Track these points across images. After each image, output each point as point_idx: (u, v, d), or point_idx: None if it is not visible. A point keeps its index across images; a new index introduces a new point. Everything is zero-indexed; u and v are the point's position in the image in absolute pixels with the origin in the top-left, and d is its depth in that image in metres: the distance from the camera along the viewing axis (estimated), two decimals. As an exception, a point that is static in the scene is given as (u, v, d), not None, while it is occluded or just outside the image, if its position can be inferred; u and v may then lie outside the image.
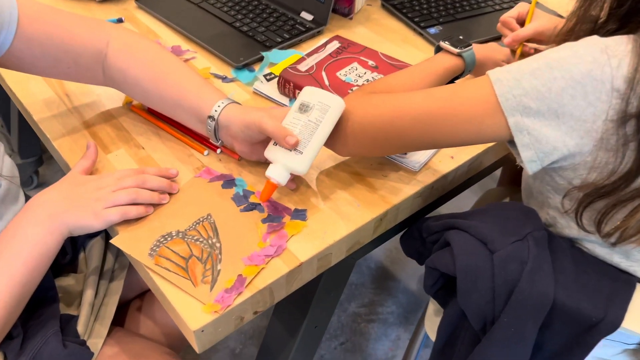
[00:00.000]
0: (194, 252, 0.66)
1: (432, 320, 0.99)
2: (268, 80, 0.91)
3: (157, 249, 0.66)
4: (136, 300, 0.88)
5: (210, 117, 0.72)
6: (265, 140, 0.73)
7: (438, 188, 0.79)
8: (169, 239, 0.67)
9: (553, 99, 0.57)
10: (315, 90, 0.70)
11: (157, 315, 0.86)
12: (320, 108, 0.69)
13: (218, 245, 0.67)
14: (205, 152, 0.79)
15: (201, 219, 0.69)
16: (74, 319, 0.73)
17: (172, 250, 0.66)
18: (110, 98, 0.88)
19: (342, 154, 0.74)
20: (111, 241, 0.66)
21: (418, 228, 0.81)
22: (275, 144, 0.69)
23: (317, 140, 0.69)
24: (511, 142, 0.62)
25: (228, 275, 0.63)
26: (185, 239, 0.67)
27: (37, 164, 1.78)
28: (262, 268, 0.64)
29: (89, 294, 0.75)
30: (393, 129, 0.66)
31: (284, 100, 0.88)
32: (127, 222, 0.68)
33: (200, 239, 0.67)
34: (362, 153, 0.75)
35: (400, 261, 1.68)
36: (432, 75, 0.76)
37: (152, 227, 0.68)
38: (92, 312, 0.74)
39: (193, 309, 0.60)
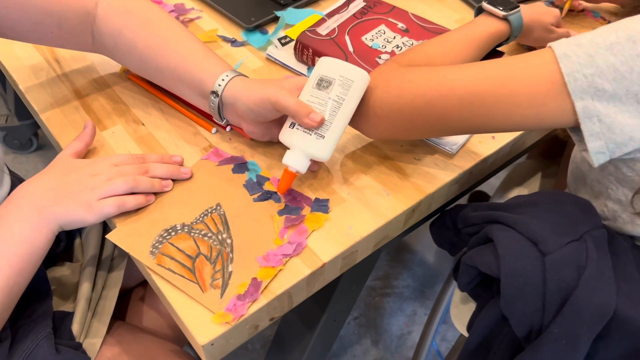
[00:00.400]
0: (202, 249, 0.57)
1: (459, 309, 0.92)
2: (283, 44, 0.81)
3: (160, 246, 0.57)
4: (138, 289, 0.81)
5: (213, 92, 0.63)
6: (279, 120, 0.63)
7: (477, 173, 0.70)
8: (173, 233, 0.59)
9: (635, 80, 0.47)
10: (333, 61, 0.60)
11: (161, 305, 0.79)
12: (342, 83, 0.59)
13: (229, 241, 0.58)
14: (213, 130, 0.69)
15: (209, 210, 0.61)
16: (69, 316, 0.66)
17: (176, 248, 0.57)
18: (106, 64, 0.78)
19: (370, 136, 0.64)
20: (107, 236, 0.58)
21: (452, 217, 0.72)
22: (292, 125, 0.59)
23: (340, 121, 0.59)
24: (575, 128, 0.53)
25: (241, 279, 0.55)
26: (192, 234, 0.59)
27: (37, 125, 1.69)
28: (280, 270, 0.56)
29: (85, 288, 0.68)
30: (434, 111, 0.56)
31: (302, 68, 0.78)
32: (126, 213, 0.60)
33: (209, 234, 0.59)
34: (394, 136, 0.65)
35: (417, 232, 1.60)
36: (474, 43, 0.66)
37: (154, 220, 0.60)
38: (89, 308, 0.67)
39: (201, 318, 0.52)
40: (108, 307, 0.69)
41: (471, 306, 0.88)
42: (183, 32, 0.66)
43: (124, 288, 0.76)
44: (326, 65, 0.60)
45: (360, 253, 0.62)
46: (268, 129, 0.65)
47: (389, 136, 0.64)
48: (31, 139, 1.72)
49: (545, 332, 0.58)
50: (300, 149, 0.59)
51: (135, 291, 0.80)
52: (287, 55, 0.79)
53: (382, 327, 1.40)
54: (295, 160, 0.59)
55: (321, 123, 0.58)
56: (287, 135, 0.60)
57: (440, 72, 0.57)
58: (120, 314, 0.76)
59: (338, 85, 0.59)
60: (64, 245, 0.73)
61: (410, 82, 0.57)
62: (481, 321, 0.67)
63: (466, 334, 0.90)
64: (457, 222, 0.71)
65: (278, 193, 0.62)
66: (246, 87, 0.62)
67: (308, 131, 0.59)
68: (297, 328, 0.80)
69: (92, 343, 0.65)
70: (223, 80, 0.63)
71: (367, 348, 1.36)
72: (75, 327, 0.64)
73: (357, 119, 0.61)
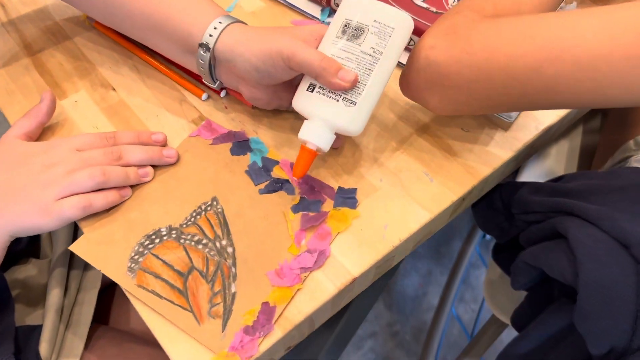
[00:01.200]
0: (196, 262, 0.44)
1: (495, 288, 0.81)
2: (288, -22, 0.64)
3: (140, 260, 0.44)
4: (123, 283, 0.68)
5: (202, 45, 0.47)
6: (289, 82, 0.49)
7: (538, 146, 0.56)
8: (157, 240, 0.45)
9: None
10: (363, 0, 0.45)
11: (151, 302, 0.66)
12: (379, 31, 0.44)
13: (230, 250, 0.45)
14: (204, 96, 0.54)
15: (203, 207, 0.47)
16: (36, 331, 0.54)
17: (162, 261, 0.44)
18: (64, 7, 0.62)
19: (440, 112, 0.48)
20: (71, 248, 0.45)
21: (503, 198, 0.59)
22: (312, 88, 0.45)
23: (377, 83, 0.45)
24: None
25: (247, 303, 0.42)
26: (182, 241, 0.45)
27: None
28: (298, 289, 0.43)
29: (54, 296, 0.55)
30: (539, 80, 0.41)
31: (314, 10, 0.62)
32: (95, 214, 0.46)
33: (204, 241, 0.45)
34: (473, 111, 0.48)
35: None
36: None
37: (131, 222, 0.46)
38: (60, 319, 0.55)
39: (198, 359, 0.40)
40: (85, 314, 0.57)
41: (509, 286, 0.76)
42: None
43: (105, 283, 0.64)
44: (354, 5, 0.45)
45: (397, 257, 0.49)
46: (276, 93, 0.50)
47: (466, 111, 0.48)
48: None
49: (632, 355, 0.46)
50: (323, 120, 0.44)
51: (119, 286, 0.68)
52: (294, -8, 0.63)
53: (395, 289, 1.30)
54: (317, 134, 0.45)
55: (354, 83, 0.43)
56: (304, 101, 0.45)
57: (547, 26, 0.41)
58: (101, 317, 0.64)
59: (373, 35, 0.44)
60: (26, 240, 0.60)
61: (503, 40, 0.41)
62: (540, 326, 0.56)
63: (504, 319, 0.79)
64: (510, 204, 0.58)
65: (293, 178, 0.48)
66: (247, 37, 0.47)
67: (334, 96, 0.44)
68: (312, 325, 0.69)
69: (66, 365, 0.53)
70: (215, 28, 0.47)
71: (379, 312, 1.26)
72: (44, 347, 0.52)
73: (422, 89, 0.45)
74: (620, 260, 0.45)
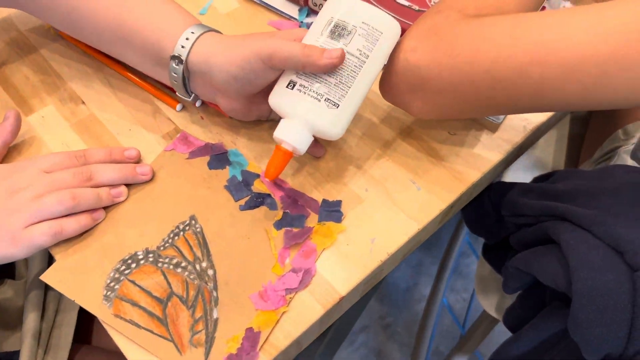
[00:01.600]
0: (175, 288, 0.42)
1: (486, 284, 0.80)
2: (263, -23, 0.61)
3: (117, 287, 0.42)
4: (105, 299, 0.66)
5: (174, 57, 0.45)
6: (269, 90, 0.46)
7: (526, 147, 0.54)
8: (133, 265, 0.43)
9: None
10: (352, 1, 0.43)
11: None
12: (366, 34, 0.42)
13: (210, 272, 0.43)
14: (178, 107, 0.52)
15: (181, 227, 0.45)
16: (14, 358, 0.52)
17: (139, 287, 0.42)
18: (28, 17, 0.58)
19: (417, 115, 0.46)
20: (42, 278, 0.42)
21: (493, 200, 0.58)
22: (292, 85, 0.42)
23: (361, 86, 0.43)
24: None
25: (231, 329, 0.40)
26: (159, 265, 0.43)
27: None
28: (284, 312, 0.41)
29: (31, 320, 0.53)
30: (523, 84, 0.39)
31: (291, 10, 0.59)
32: (67, 240, 0.44)
33: (182, 264, 0.43)
34: (452, 115, 0.46)
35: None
36: None
37: (105, 246, 0.44)
38: (39, 345, 0.53)
39: (181, 392, 0.38)
40: (64, 337, 0.55)
41: (500, 282, 0.76)
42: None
43: (87, 300, 0.62)
44: (342, 5, 0.43)
45: (386, 270, 0.47)
46: (255, 104, 0.48)
47: (451, 115, 0.46)
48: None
49: (628, 362, 0.45)
50: (302, 119, 0.42)
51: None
52: (270, -8, 0.60)
53: (385, 281, 1.29)
54: (294, 133, 0.43)
55: (343, 58, 0.41)
56: (282, 98, 0.43)
57: (532, 27, 0.39)
58: (83, 336, 0.62)
59: (360, 36, 0.42)
60: (-1, 261, 0.57)
61: (487, 42, 0.39)
62: (533, 330, 0.55)
63: (496, 316, 0.78)
64: (499, 205, 0.57)
65: (266, 179, 0.46)
66: (222, 46, 0.44)
67: (315, 95, 0.42)
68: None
69: (46, 391, 0.51)
70: (187, 39, 0.45)
71: (370, 305, 1.25)
72: (22, 375, 0.50)
73: (404, 93, 0.43)
74: (615, 267, 0.44)
